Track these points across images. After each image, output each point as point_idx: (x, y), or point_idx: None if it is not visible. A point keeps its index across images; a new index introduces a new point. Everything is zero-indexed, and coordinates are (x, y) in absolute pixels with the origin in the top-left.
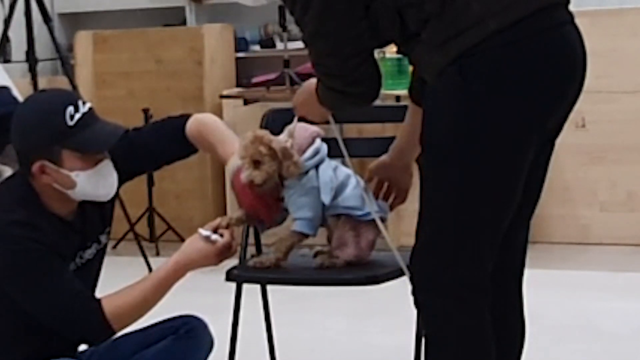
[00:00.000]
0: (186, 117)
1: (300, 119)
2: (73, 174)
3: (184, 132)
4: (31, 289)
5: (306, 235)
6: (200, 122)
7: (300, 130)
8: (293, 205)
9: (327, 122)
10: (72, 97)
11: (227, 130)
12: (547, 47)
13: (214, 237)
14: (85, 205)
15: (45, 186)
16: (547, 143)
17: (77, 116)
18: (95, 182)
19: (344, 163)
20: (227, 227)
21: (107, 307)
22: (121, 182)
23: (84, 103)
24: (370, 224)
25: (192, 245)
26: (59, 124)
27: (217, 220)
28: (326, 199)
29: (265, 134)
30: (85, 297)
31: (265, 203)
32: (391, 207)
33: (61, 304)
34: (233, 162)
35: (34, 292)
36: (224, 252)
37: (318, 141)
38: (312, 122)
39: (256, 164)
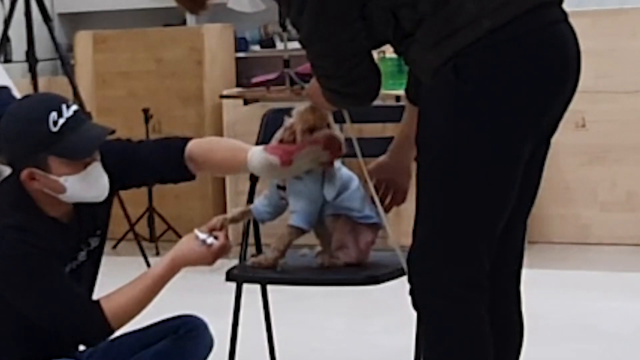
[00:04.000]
0: (187, 139)
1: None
2: (62, 179)
3: (183, 154)
4: (30, 293)
5: (302, 231)
6: (204, 140)
7: None
8: (294, 196)
9: (343, 120)
10: (56, 102)
11: (228, 141)
12: (540, 45)
13: (210, 240)
14: (79, 207)
15: (37, 191)
16: (542, 141)
17: (61, 121)
18: (85, 185)
19: (344, 163)
20: (222, 228)
21: (107, 308)
22: (114, 189)
23: (68, 107)
24: (369, 227)
25: (188, 244)
26: (42, 132)
27: (213, 221)
28: (329, 194)
29: None
30: (84, 299)
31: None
32: (389, 207)
33: (61, 307)
34: (255, 150)
35: (34, 297)
36: (219, 254)
37: None
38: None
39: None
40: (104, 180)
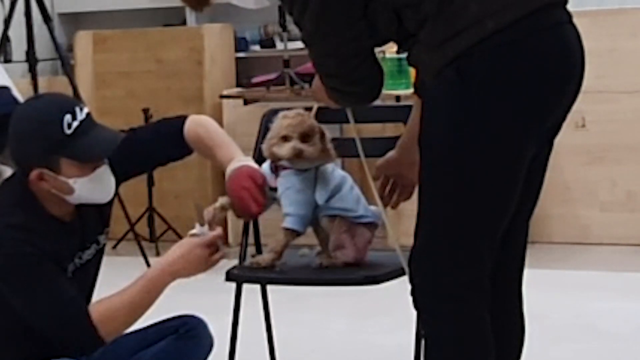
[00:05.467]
0: (183, 118)
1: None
2: (71, 181)
3: (182, 133)
4: (24, 292)
5: (298, 233)
6: (198, 124)
7: None
8: (286, 199)
9: (344, 120)
10: (69, 104)
11: (225, 133)
12: (544, 46)
13: (205, 230)
14: (84, 207)
15: (43, 191)
16: (545, 143)
17: (75, 124)
18: (93, 187)
19: (344, 165)
20: (212, 221)
21: (95, 316)
22: (118, 182)
23: (81, 109)
24: (365, 226)
25: (184, 257)
26: (56, 134)
27: (205, 215)
28: (320, 199)
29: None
30: (76, 306)
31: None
32: (397, 204)
33: (52, 310)
34: (233, 166)
35: (27, 296)
36: (214, 260)
37: None
38: (324, 121)
39: (306, 137)
40: (112, 182)
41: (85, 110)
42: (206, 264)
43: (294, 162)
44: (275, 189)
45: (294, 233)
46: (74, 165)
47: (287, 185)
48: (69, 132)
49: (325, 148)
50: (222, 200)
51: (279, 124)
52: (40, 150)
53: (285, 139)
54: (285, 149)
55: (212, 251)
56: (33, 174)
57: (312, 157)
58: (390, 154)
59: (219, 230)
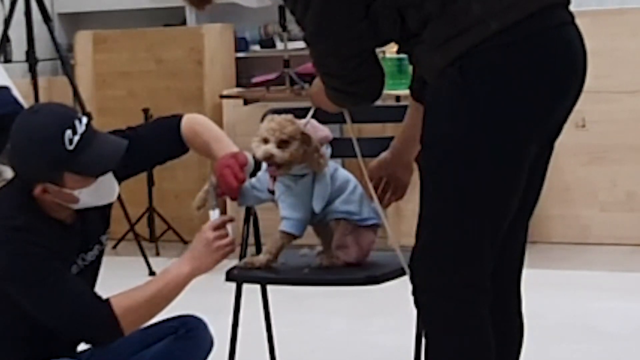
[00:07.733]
0: (179, 117)
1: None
2: (75, 192)
3: (179, 131)
4: (37, 293)
5: (294, 236)
6: (195, 122)
7: (310, 130)
8: (283, 203)
9: (343, 121)
10: (69, 118)
11: (220, 130)
12: (547, 47)
13: (217, 214)
14: (85, 209)
15: (47, 200)
16: (546, 144)
17: (76, 139)
18: (97, 194)
19: (344, 165)
20: (199, 208)
21: (116, 306)
22: (118, 182)
23: (80, 120)
24: (369, 227)
25: (192, 243)
26: (58, 151)
27: (194, 204)
28: (317, 207)
29: (299, 120)
30: (91, 297)
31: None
32: (389, 203)
33: (67, 305)
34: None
35: (40, 296)
36: (222, 245)
37: (323, 147)
38: (323, 121)
39: (283, 143)
40: (114, 185)
41: (84, 120)
42: (213, 246)
43: (268, 167)
44: (273, 192)
45: (290, 236)
46: (77, 178)
47: (284, 188)
48: (70, 147)
49: (309, 156)
50: (211, 179)
51: (264, 126)
52: (43, 168)
53: (265, 141)
54: (259, 151)
55: (220, 235)
56: (37, 189)
57: (283, 163)
58: (384, 155)
59: (229, 215)
